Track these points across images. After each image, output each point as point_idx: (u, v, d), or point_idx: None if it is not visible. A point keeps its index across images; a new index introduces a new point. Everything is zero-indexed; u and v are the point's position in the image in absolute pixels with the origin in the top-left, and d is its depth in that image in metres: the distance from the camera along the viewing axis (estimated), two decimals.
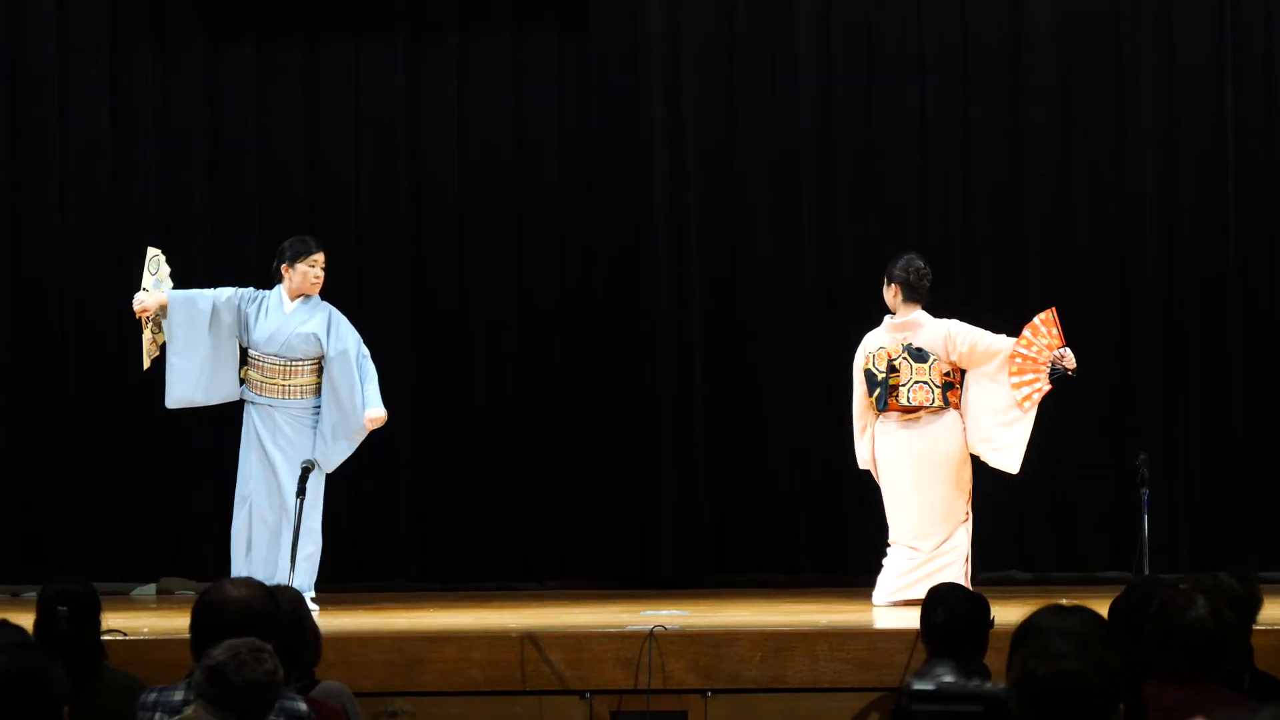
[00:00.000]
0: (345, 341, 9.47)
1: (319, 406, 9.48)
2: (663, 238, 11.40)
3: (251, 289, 9.58)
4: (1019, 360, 9.33)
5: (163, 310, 9.51)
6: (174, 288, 9.56)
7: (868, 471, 9.60)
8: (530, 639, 7.87)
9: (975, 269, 11.34)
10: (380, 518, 11.42)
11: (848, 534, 11.14)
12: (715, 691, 7.80)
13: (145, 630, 8.22)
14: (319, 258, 9.52)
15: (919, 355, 9.38)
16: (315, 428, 9.47)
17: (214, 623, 5.00)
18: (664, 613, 8.79)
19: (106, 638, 6.12)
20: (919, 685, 3.47)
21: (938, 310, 9.54)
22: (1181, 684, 4.94)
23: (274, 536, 9.35)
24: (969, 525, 9.41)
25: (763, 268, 11.43)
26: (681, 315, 11.40)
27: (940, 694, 3.46)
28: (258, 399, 9.50)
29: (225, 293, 9.55)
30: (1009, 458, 9.39)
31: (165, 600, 10.89)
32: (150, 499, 11.39)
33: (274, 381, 9.49)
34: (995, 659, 5.61)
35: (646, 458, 11.36)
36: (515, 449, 11.44)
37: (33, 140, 11.46)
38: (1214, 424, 11.29)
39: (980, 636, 5.99)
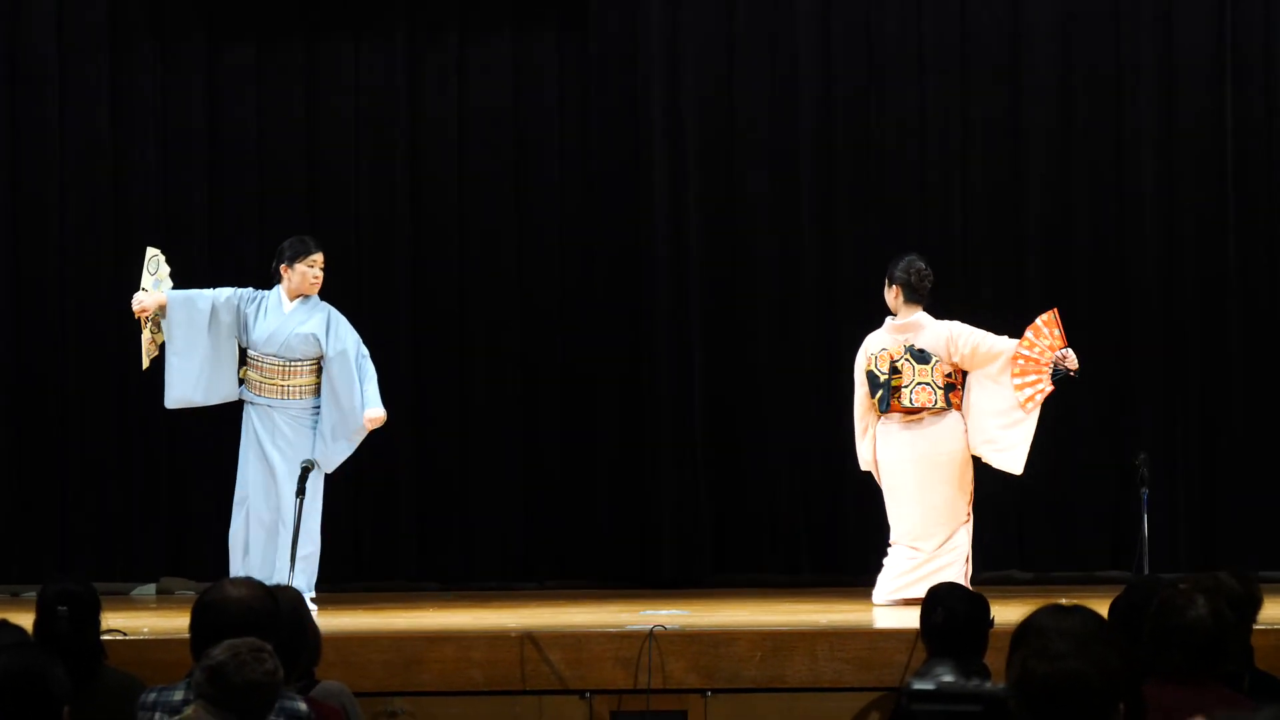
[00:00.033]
0: (344, 342, 9.46)
1: (318, 407, 9.48)
2: (663, 238, 11.40)
3: (251, 289, 9.58)
4: (1021, 361, 9.33)
5: (162, 310, 9.50)
6: (173, 288, 9.56)
7: (868, 473, 9.60)
8: (530, 639, 7.87)
9: (975, 269, 11.34)
10: (380, 518, 11.42)
11: (848, 534, 11.14)
12: (715, 691, 7.79)
13: (145, 630, 8.22)
14: (318, 258, 9.51)
15: (921, 356, 9.38)
16: (315, 428, 9.46)
17: (214, 623, 5.00)
18: (664, 613, 8.78)
19: (106, 638, 6.12)
20: (919, 685, 3.47)
21: (938, 311, 9.54)
22: (1181, 684, 4.95)
23: (270, 538, 9.35)
24: (970, 526, 9.41)
25: (763, 268, 11.43)
26: (681, 315, 11.40)
27: (940, 694, 3.46)
28: (257, 399, 9.50)
29: (224, 293, 9.54)
30: (1012, 459, 9.39)
31: (165, 600, 10.88)
32: (150, 499, 11.39)
33: (273, 382, 9.48)
34: (995, 659, 5.62)
35: (646, 458, 11.36)
36: (515, 449, 11.44)
37: (33, 140, 11.46)
38: (1214, 424, 11.29)
39: (980, 636, 5.99)
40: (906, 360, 9.37)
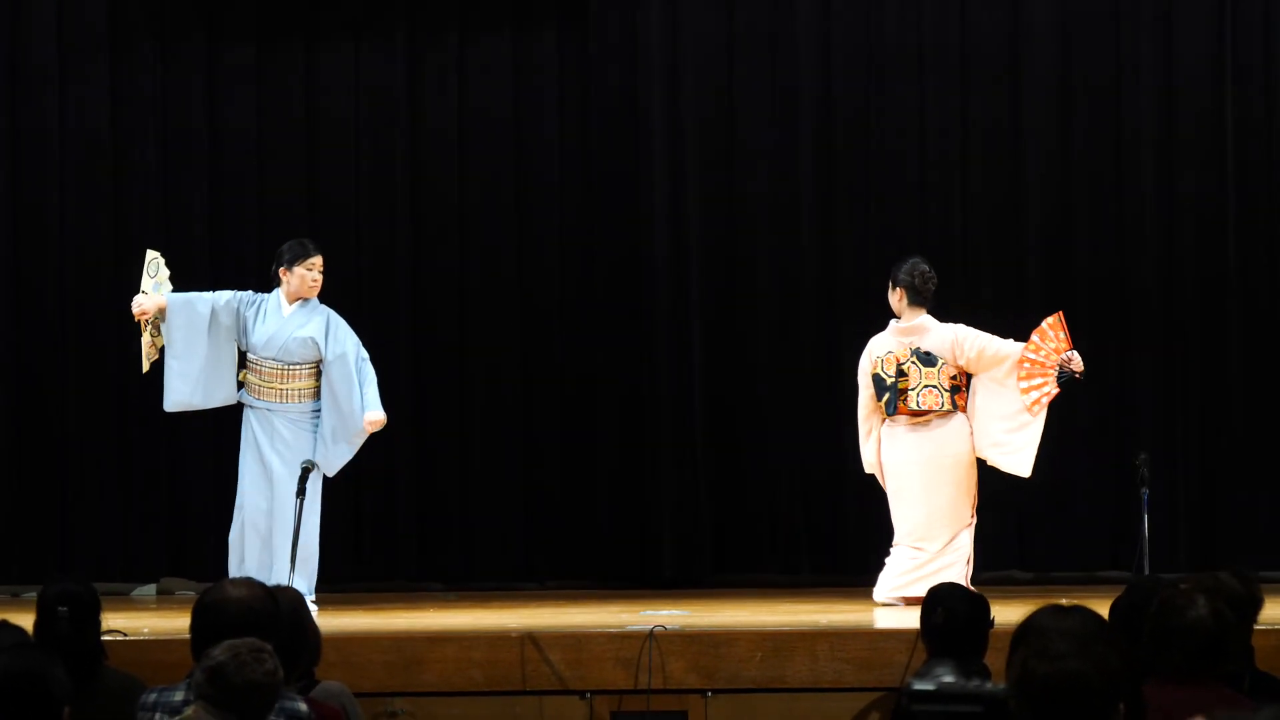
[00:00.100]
0: (343, 345, 9.44)
1: (318, 410, 9.47)
2: (662, 238, 11.40)
3: (250, 292, 9.56)
4: (1027, 365, 9.34)
5: (162, 314, 9.49)
6: (173, 290, 9.55)
7: (871, 475, 9.60)
8: (530, 639, 7.87)
9: (975, 269, 11.33)
10: (380, 518, 11.42)
11: (848, 534, 11.14)
12: (715, 691, 7.79)
13: (145, 630, 8.22)
14: (317, 261, 9.49)
15: (927, 359, 9.38)
16: (314, 431, 9.45)
17: (214, 623, 5.00)
18: (664, 613, 8.79)
19: (107, 638, 6.11)
20: (919, 685, 3.47)
21: (938, 312, 9.54)
22: (1181, 684, 4.95)
23: (265, 546, 9.33)
24: (973, 528, 9.42)
25: (763, 268, 11.43)
26: (681, 315, 11.40)
27: (940, 694, 3.46)
28: (256, 403, 9.48)
29: (224, 296, 9.53)
30: (1020, 461, 9.40)
31: (165, 600, 10.88)
32: (150, 499, 11.39)
33: (272, 385, 9.47)
34: (995, 659, 5.61)
35: (646, 458, 11.36)
36: (515, 449, 11.44)
37: (33, 140, 11.46)
38: (1214, 424, 11.29)
39: (980, 636, 5.98)
40: (913, 363, 9.38)
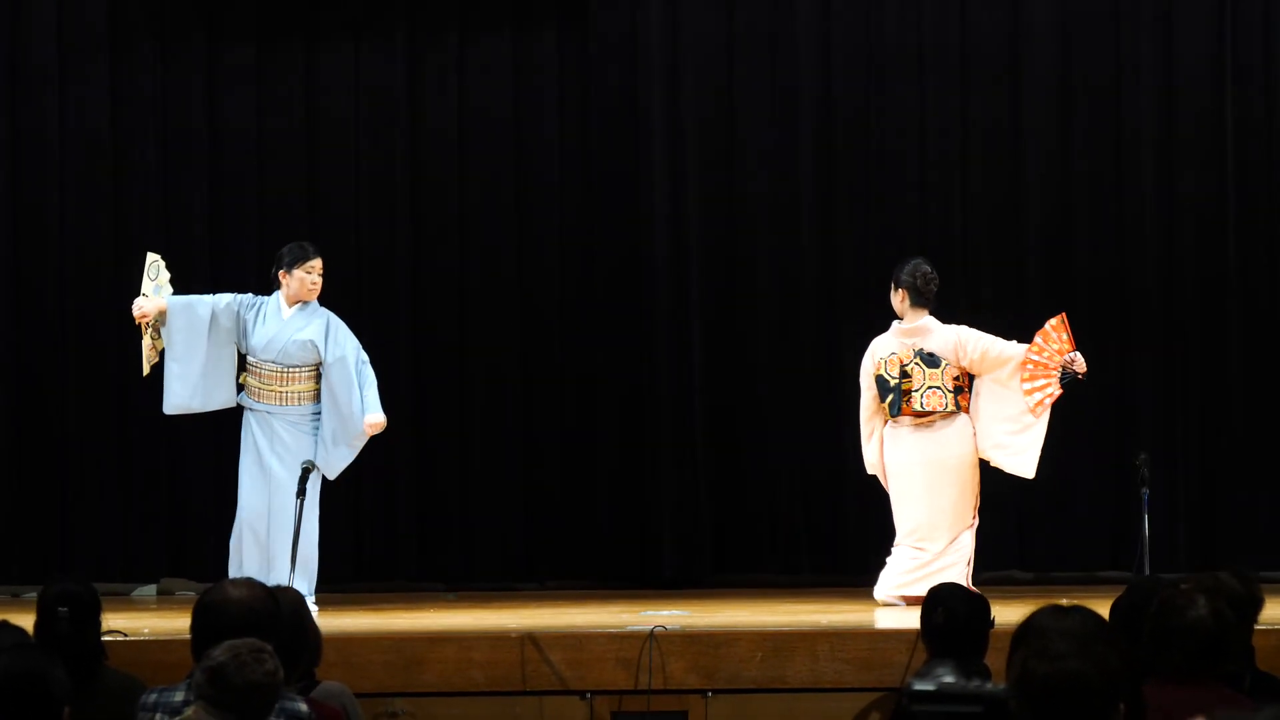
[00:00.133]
0: (343, 348, 9.44)
1: (318, 413, 9.46)
2: (662, 238, 11.40)
3: (250, 295, 9.55)
4: (1030, 366, 9.34)
5: (162, 316, 9.48)
6: (174, 292, 9.54)
7: (872, 475, 9.60)
8: (530, 639, 7.87)
9: (975, 269, 11.33)
10: (380, 518, 11.42)
11: (848, 534, 11.14)
12: (715, 692, 7.79)
13: (146, 631, 8.22)
14: (316, 264, 9.48)
15: (931, 360, 9.38)
16: (314, 434, 9.44)
17: (214, 623, 5.00)
18: (664, 613, 8.79)
19: (107, 638, 6.11)
20: (919, 685, 3.47)
21: (939, 311, 9.54)
22: (1181, 684, 4.95)
23: (263, 551, 9.32)
24: (974, 529, 9.42)
25: (763, 268, 11.43)
26: (681, 315, 11.40)
27: (941, 694, 3.46)
28: (256, 405, 9.48)
29: (224, 299, 9.52)
30: (1024, 462, 9.41)
31: (165, 601, 10.88)
32: (150, 499, 11.39)
33: (271, 388, 9.46)
34: (995, 659, 5.61)
35: (646, 458, 11.36)
36: (515, 449, 11.44)
37: (33, 140, 11.46)
38: (1214, 424, 11.29)
39: (980, 636, 5.98)
40: (916, 364, 9.38)
